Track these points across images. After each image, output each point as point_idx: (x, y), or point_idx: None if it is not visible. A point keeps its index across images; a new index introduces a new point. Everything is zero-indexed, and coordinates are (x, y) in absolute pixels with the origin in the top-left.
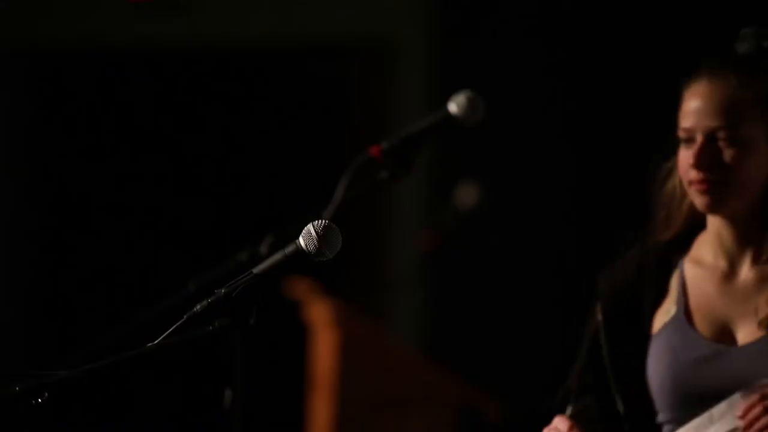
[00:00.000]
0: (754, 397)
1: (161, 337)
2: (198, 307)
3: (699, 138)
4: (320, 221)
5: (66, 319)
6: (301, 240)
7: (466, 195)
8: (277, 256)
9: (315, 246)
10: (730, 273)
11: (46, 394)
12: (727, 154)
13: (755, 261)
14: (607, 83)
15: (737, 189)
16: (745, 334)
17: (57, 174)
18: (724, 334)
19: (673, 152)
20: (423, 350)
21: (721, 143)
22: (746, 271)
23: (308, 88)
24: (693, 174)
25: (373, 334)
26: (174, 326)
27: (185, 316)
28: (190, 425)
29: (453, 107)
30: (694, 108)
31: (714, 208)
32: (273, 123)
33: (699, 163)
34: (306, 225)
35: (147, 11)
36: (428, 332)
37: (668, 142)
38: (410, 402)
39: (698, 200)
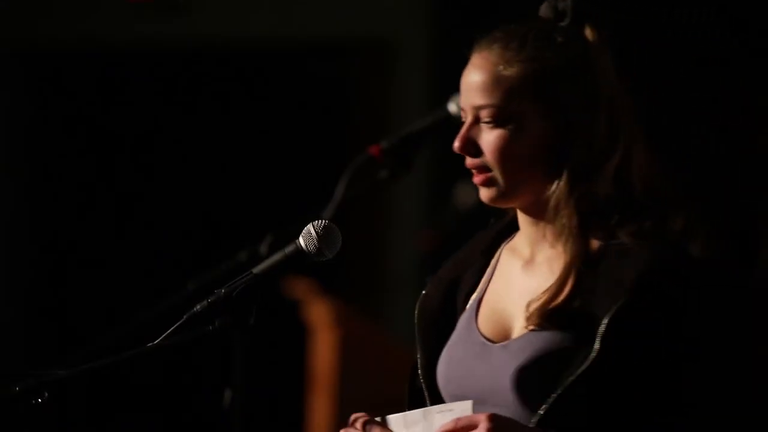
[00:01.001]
0: (449, 424)
1: (161, 337)
2: (198, 307)
3: (468, 119)
4: (320, 221)
5: (66, 319)
6: (301, 240)
7: (466, 195)
8: (277, 256)
9: (315, 246)
10: (531, 262)
11: (46, 394)
12: (494, 136)
13: (549, 251)
14: None
15: (510, 177)
16: (517, 330)
17: (57, 174)
18: (502, 329)
19: None
20: None
21: (486, 125)
22: (540, 262)
23: (308, 88)
24: (467, 161)
25: (373, 334)
26: (174, 326)
27: (185, 316)
28: (190, 425)
29: (453, 107)
30: (463, 84)
31: (494, 200)
32: (273, 123)
33: (460, 147)
34: (306, 225)
35: (147, 11)
36: None
37: (668, 142)
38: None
39: (479, 192)
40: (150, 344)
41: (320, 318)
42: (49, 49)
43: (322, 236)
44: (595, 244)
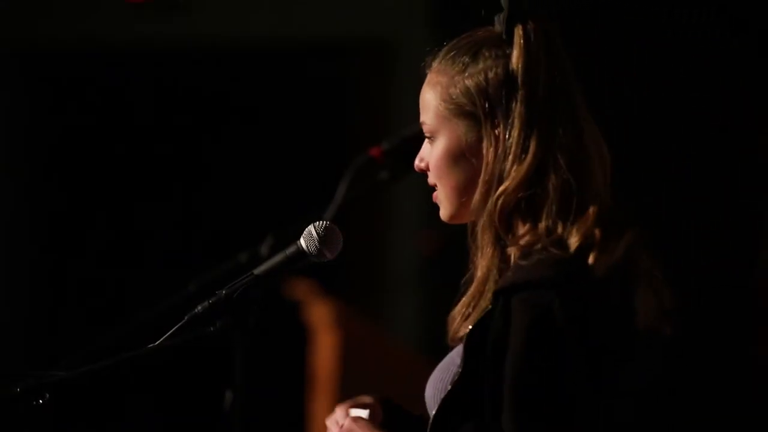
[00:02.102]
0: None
1: (162, 338)
2: (199, 308)
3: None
4: (321, 222)
5: (66, 320)
6: (302, 241)
7: None
8: (277, 257)
9: (316, 247)
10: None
11: (47, 395)
12: (431, 153)
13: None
14: (606, 83)
15: (448, 192)
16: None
17: (57, 174)
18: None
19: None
20: (423, 350)
21: (430, 143)
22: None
23: (308, 88)
24: None
25: (373, 334)
26: (175, 327)
27: (186, 317)
28: (190, 426)
29: None
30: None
31: (446, 219)
32: (273, 123)
33: (415, 166)
34: (307, 226)
35: (147, 11)
36: (428, 333)
37: (669, 141)
38: (410, 402)
39: None
40: (151, 345)
41: (321, 319)
42: (49, 49)
43: (324, 237)
44: (514, 257)
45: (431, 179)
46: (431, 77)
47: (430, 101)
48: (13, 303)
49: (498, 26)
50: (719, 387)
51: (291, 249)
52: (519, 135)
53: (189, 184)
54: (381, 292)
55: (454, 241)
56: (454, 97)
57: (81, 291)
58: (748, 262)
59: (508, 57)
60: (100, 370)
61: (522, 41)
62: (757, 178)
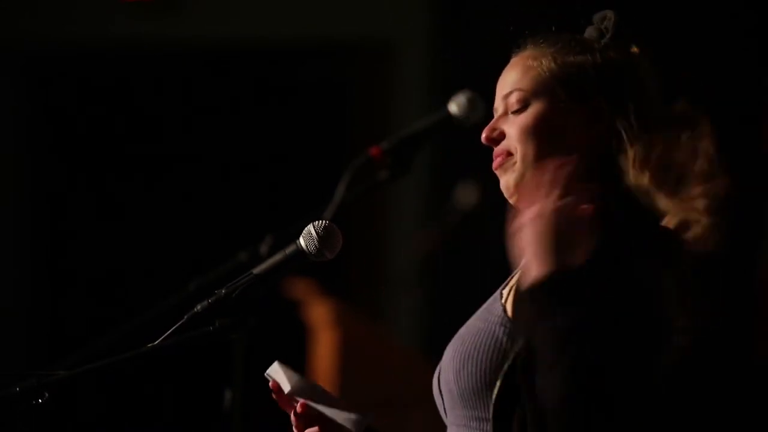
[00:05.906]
0: None
1: (162, 338)
2: (198, 307)
3: (498, 112)
4: (321, 221)
5: (66, 320)
6: (301, 240)
7: (466, 195)
8: (277, 257)
9: (315, 246)
10: None
11: (47, 394)
12: (519, 119)
13: None
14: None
15: (532, 161)
16: None
17: (56, 174)
18: None
19: None
20: (423, 350)
21: (513, 114)
22: None
23: (308, 88)
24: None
25: (373, 334)
26: (174, 326)
27: (186, 317)
28: (190, 425)
29: (453, 107)
30: (497, 86)
31: (511, 185)
32: (272, 123)
33: (486, 137)
34: (306, 225)
35: (145, 11)
36: (428, 332)
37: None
38: (410, 402)
39: (500, 183)
40: (151, 344)
41: (320, 318)
42: (46, 49)
43: (323, 236)
44: None
45: (506, 145)
46: (530, 53)
47: (531, 69)
48: (13, 303)
49: (591, 33)
50: (719, 386)
51: (290, 248)
52: (632, 124)
53: (189, 183)
54: (381, 291)
55: (452, 241)
56: (564, 67)
57: (81, 291)
58: (748, 262)
59: (619, 52)
60: (100, 369)
61: (638, 50)
62: (761, 176)
